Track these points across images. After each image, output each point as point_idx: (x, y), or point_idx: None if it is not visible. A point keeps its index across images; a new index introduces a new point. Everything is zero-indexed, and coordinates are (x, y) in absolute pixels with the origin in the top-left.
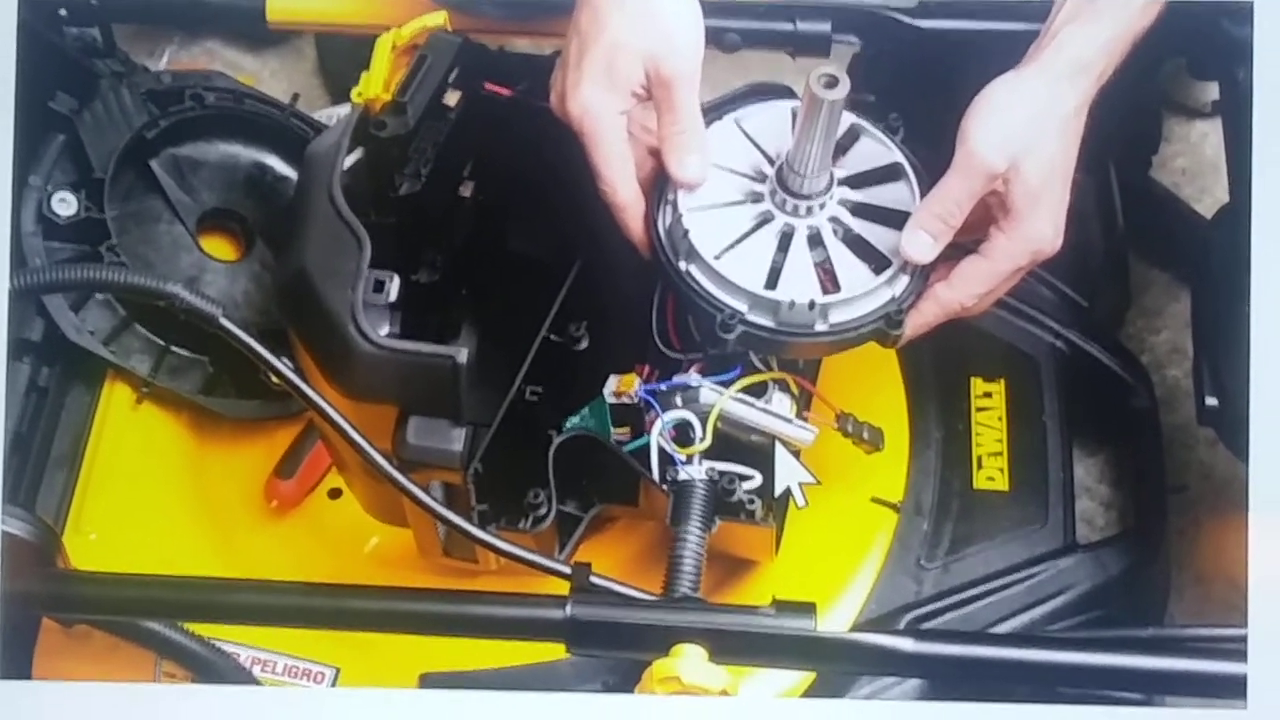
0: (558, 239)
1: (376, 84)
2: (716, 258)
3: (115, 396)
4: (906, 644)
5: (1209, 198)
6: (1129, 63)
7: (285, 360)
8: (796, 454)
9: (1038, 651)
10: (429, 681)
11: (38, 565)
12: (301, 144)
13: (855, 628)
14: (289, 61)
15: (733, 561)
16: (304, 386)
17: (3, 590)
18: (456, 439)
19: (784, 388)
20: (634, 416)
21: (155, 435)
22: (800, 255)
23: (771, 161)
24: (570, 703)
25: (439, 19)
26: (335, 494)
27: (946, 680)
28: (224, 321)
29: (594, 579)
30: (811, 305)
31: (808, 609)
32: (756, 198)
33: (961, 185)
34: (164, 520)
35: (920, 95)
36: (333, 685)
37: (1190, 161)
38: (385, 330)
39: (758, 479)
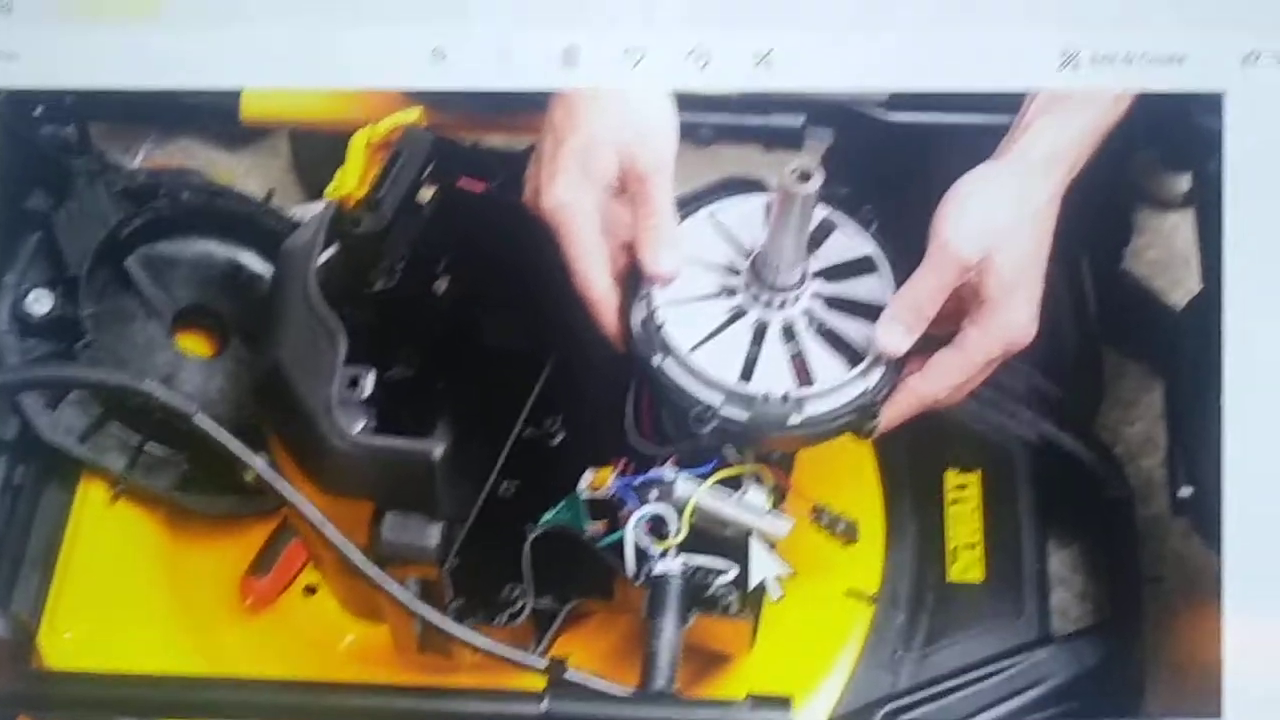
0: (532, 333)
1: (351, 180)
2: (690, 351)
3: (90, 494)
4: None
5: (1181, 289)
6: (1101, 154)
7: (261, 456)
8: (772, 547)
9: None
10: None
11: (13, 664)
12: (276, 241)
13: None
14: (264, 158)
15: (709, 655)
16: (280, 483)
17: None
18: (432, 534)
19: (759, 480)
20: (609, 510)
21: (130, 532)
22: (775, 348)
23: (746, 255)
24: None
25: (413, 115)
26: (311, 590)
27: None
28: (199, 418)
29: (570, 674)
30: (785, 398)
31: (783, 703)
32: (731, 291)
33: (935, 278)
34: (140, 618)
35: (894, 188)
36: None
37: (1162, 253)
38: (360, 426)
39: (733, 572)
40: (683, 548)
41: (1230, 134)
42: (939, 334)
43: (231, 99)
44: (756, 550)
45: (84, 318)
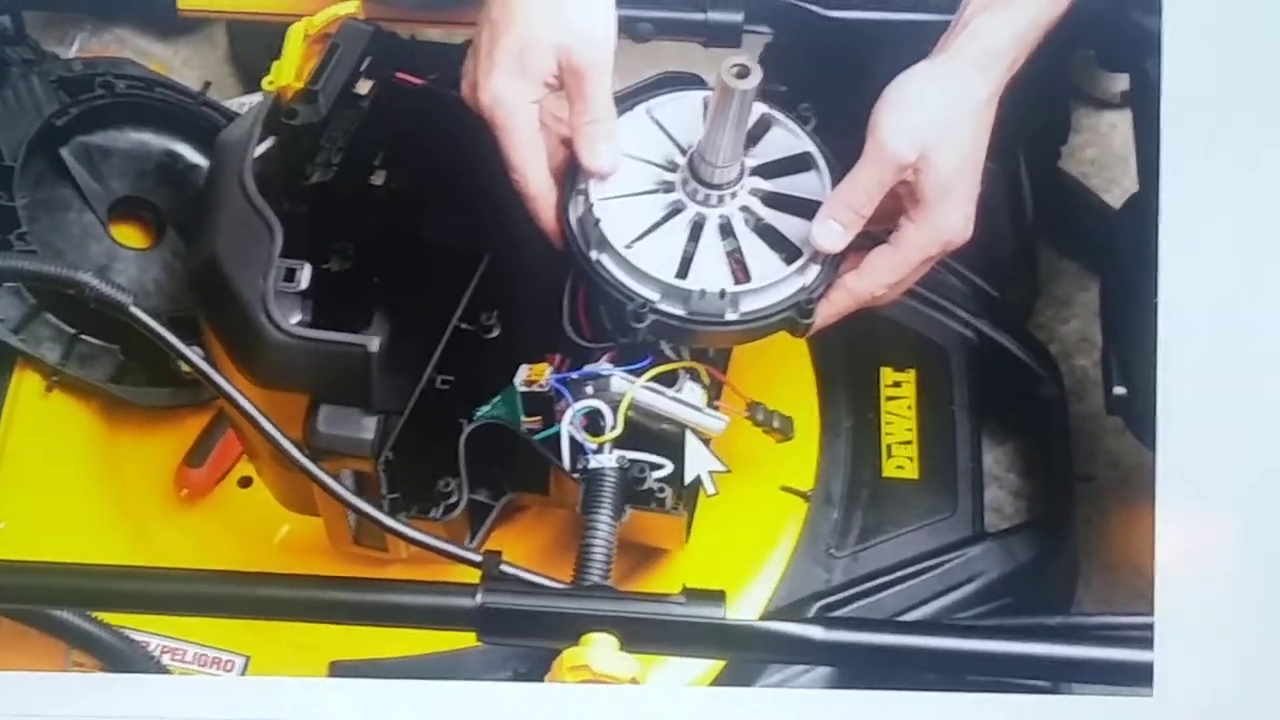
0: (469, 228)
1: (288, 72)
2: (628, 247)
3: (25, 385)
4: (816, 632)
5: (1117, 188)
6: (1039, 53)
7: (196, 348)
8: (707, 443)
9: (946, 639)
10: (339, 670)
11: None
12: (213, 132)
13: (765, 616)
14: (200, 49)
15: (643, 550)
16: (214, 375)
17: None
18: (368, 427)
19: (695, 377)
20: (545, 405)
21: (65, 424)
22: (711, 244)
23: (683, 151)
24: (480, 691)
25: (351, 7)
26: (245, 482)
27: (855, 668)
28: (134, 309)
29: (504, 567)
30: (722, 294)
31: (718, 597)
32: (668, 187)
33: (872, 175)
34: (74, 508)
35: (831, 85)
36: (242, 674)
37: (1099, 152)
38: (296, 318)
39: (668, 467)
40: (618, 443)
41: (1168, 33)
42: (876, 232)
43: None
44: (692, 446)
45: (19, 208)
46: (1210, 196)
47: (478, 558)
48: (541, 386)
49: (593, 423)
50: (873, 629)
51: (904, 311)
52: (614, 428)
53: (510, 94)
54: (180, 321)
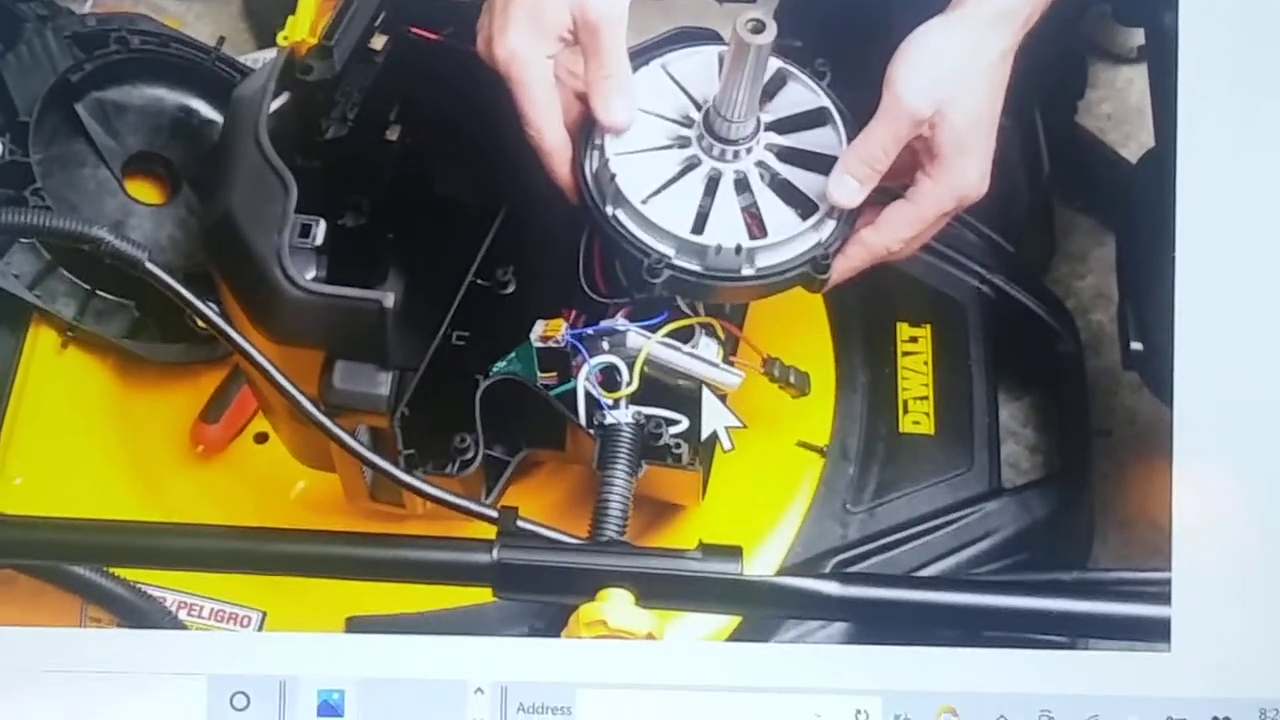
0: (484, 183)
1: (302, 28)
2: (643, 202)
3: (40, 341)
4: (832, 587)
5: (1134, 143)
6: (1055, 7)
7: (211, 304)
8: (723, 398)
9: (963, 595)
10: (356, 625)
11: None
12: (227, 88)
13: (781, 571)
14: (214, 5)
15: (659, 506)
16: (230, 330)
17: None
18: (383, 383)
19: (710, 332)
20: (561, 361)
21: (80, 379)
22: (727, 200)
23: (698, 106)
24: (496, 646)
25: None
26: (261, 438)
27: (872, 624)
28: (149, 265)
29: (521, 523)
30: (738, 250)
31: (734, 553)
32: (683, 142)
33: (887, 130)
34: (89, 464)
35: (847, 40)
36: (259, 629)
37: (1115, 107)
38: (311, 274)
39: (684, 423)
40: (634, 399)
41: None
42: (892, 187)
43: None
44: (708, 401)
45: (34, 163)
46: (1227, 151)
47: (494, 513)
48: (557, 342)
49: (608, 378)
50: (889, 584)
51: (920, 267)
52: (630, 383)
53: (525, 49)
54: (195, 277)
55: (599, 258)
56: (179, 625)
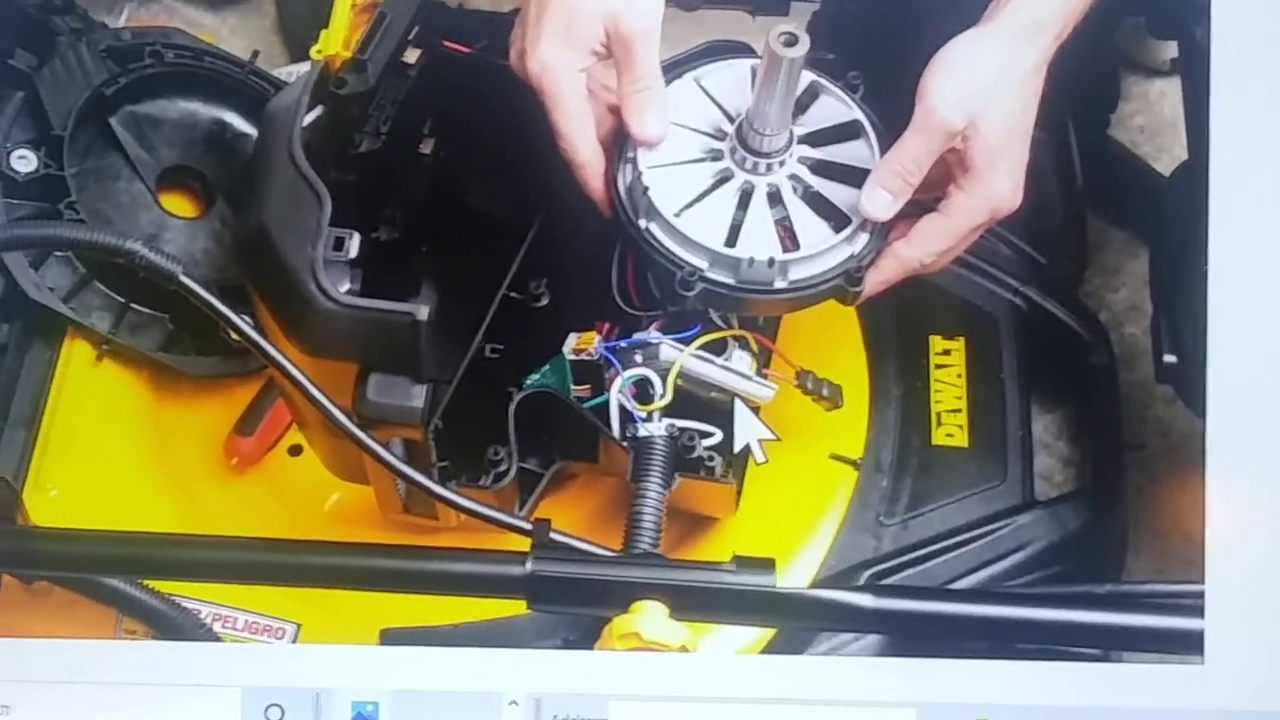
0: (518, 196)
1: (336, 41)
2: (676, 215)
3: (75, 354)
4: (866, 600)
5: (1167, 156)
6: (1087, 21)
7: (245, 317)
8: (756, 411)
9: (996, 607)
10: (390, 637)
11: None
12: (261, 101)
13: (815, 584)
14: (248, 19)
15: (693, 518)
16: (264, 343)
17: None
18: (417, 396)
19: (744, 345)
20: (594, 374)
21: (115, 392)
22: (760, 213)
23: (731, 119)
24: (530, 658)
25: None
26: (295, 451)
27: (905, 636)
28: (183, 278)
29: (554, 535)
30: (771, 263)
31: (768, 565)
32: (716, 155)
33: (920, 143)
34: (124, 477)
35: (880, 53)
36: (294, 641)
37: (1148, 119)
38: (345, 287)
39: (718, 436)
40: (667, 411)
41: (1217, 1)
42: (925, 200)
43: None
44: (741, 414)
45: (69, 177)
46: (1260, 163)
47: (528, 525)
48: (590, 355)
49: (642, 391)
50: (922, 597)
51: (953, 279)
52: (663, 396)
53: (558, 62)
54: (229, 291)
55: (632, 271)
56: (213, 637)
